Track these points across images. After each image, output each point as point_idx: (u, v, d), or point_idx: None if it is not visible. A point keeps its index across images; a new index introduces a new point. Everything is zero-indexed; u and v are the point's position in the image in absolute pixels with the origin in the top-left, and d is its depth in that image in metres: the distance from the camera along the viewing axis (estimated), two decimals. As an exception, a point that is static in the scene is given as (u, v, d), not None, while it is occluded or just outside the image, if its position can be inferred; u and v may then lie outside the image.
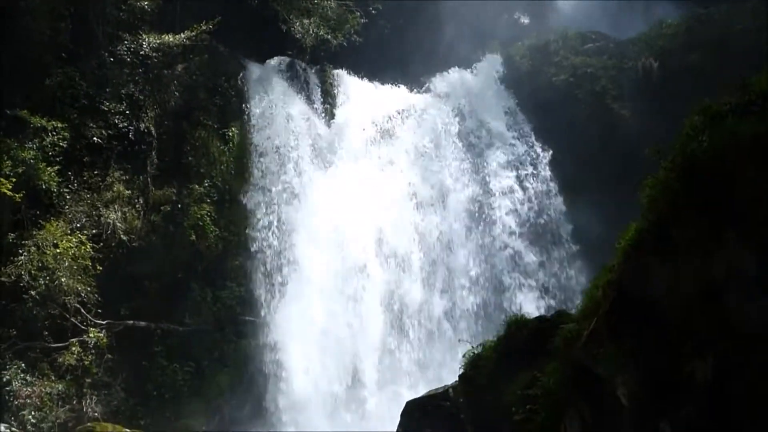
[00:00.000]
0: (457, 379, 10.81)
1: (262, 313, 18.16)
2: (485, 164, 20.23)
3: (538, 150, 20.41)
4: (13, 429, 11.92)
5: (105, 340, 17.08)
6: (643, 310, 7.43)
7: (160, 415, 16.68)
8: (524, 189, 19.82)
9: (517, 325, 10.24)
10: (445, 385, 11.05)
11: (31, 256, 16.68)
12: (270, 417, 17.26)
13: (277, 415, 17.25)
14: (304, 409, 16.80)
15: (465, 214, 19.48)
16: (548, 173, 19.95)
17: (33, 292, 16.62)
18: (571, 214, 19.33)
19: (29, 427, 14.62)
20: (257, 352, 17.86)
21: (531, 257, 18.86)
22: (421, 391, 12.43)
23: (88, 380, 16.87)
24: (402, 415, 10.97)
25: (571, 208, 19.21)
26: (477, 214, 19.50)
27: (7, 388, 15.73)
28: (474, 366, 10.38)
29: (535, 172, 20.08)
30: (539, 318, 10.49)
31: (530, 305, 17.54)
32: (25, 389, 15.90)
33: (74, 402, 16.56)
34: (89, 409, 16.46)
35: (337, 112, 21.06)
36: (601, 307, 8.21)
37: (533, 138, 20.67)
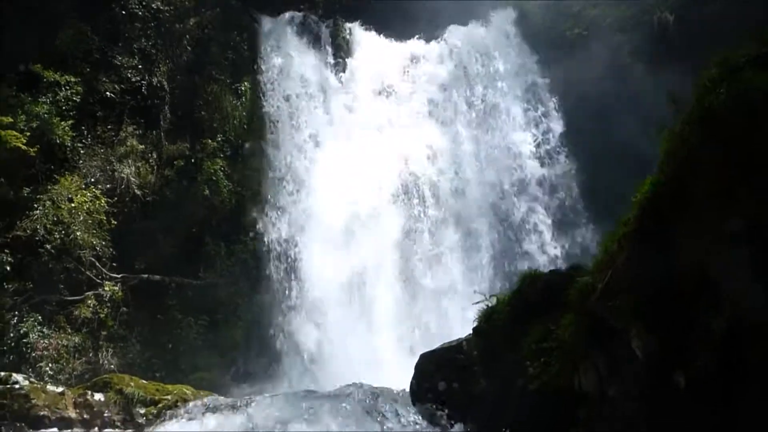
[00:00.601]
0: (471, 332, 10.83)
1: (276, 267, 18.21)
2: (498, 119, 20.10)
3: (551, 104, 20.27)
4: (31, 379, 12.05)
5: (120, 294, 17.27)
6: (659, 262, 7.42)
7: (175, 368, 16.81)
8: (537, 143, 19.72)
9: (531, 278, 10.21)
10: (459, 339, 11.04)
11: (46, 211, 16.82)
12: (284, 371, 17.36)
13: (292, 369, 17.34)
14: (318, 363, 16.89)
15: (478, 170, 19.41)
16: (562, 128, 19.84)
17: (48, 246, 16.79)
18: (583, 170, 19.24)
19: (46, 378, 14.77)
20: (272, 306, 17.95)
21: (546, 215, 18.79)
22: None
23: (104, 333, 17.09)
24: (416, 368, 10.97)
25: (585, 164, 19.11)
26: (490, 169, 19.42)
27: (24, 341, 15.93)
28: (488, 319, 10.38)
29: (547, 126, 19.96)
30: (553, 271, 10.46)
31: (544, 260, 17.53)
32: (42, 341, 16.11)
33: (90, 354, 16.77)
34: (105, 362, 16.67)
35: (350, 66, 20.94)
36: (616, 259, 8.20)
37: (547, 92, 20.52)
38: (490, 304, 10.43)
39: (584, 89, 19.08)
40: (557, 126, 19.96)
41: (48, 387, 11.80)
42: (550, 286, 9.75)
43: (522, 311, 9.92)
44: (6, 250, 16.52)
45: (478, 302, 10.71)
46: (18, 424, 10.69)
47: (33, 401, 10.97)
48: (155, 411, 11.32)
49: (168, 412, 11.05)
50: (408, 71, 21.11)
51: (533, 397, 9.33)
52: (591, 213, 18.75)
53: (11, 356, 15.71)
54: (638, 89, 17.89)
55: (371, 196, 18.72)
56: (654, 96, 15.38)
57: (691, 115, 7.47)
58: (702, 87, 7.47)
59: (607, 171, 17.43)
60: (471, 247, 18.56)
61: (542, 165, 19.56)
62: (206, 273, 18.25)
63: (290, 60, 20.24)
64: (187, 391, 11.97)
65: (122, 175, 18.22)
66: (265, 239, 18.49)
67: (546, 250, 18.45)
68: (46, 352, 16.09)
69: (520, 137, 19.86)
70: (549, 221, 18.89)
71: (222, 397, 11.68)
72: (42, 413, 10.88)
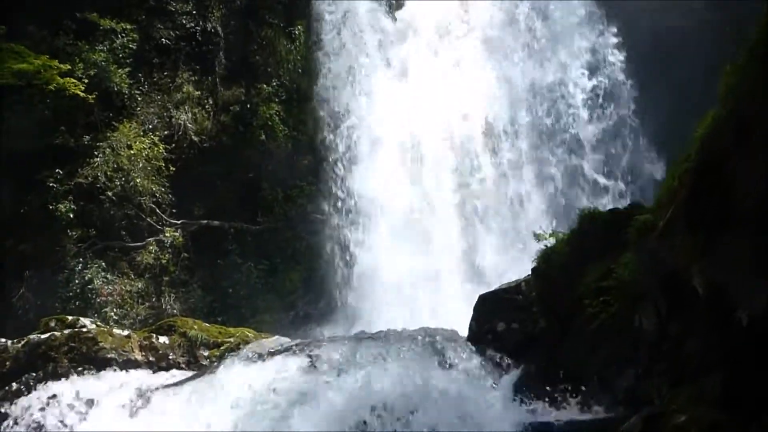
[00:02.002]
0: (529, 272, 10.81)
1: (332, 210, 18.28)
2: (557, 53, 19.66)
3: (611, 38, 19.78)
4: (98, 323, 12.36)
5: (180, 240, 17.53)
6: (721, 199, 7.29)
7: (235, 312, 17.05)
8: (598, 80, 19.29)
9: (590, 217, 10.13)
10: (518, 279, 11.04)
11: (106, 158, 17.08)
12: (344, 314, 17.52)
13: (351, 312, 17.49)
14: (377, 306, 16.99)
15: (537, 108, 19.08)
16: (621, 63, 19.38)
17: (109, 193, 17.09)
18: (644, 106, 18.86)
19: (111, 323, 15.12)
20: (329, 249, 18.07)
21: (604, 151, 18.51)
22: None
23: (166, 278, 17.41)
24: (475, 309, 11.02)
25: (645, 100, 18.70)
26: (550, 107, 19.08)
27: (89, 287, 16.31)
28: (546, 259, 10.34)
29: (607, 61, 19.51)
30: (613, 210, 10.36)
31: (605, 202, 17.31)
32: (106, 287, 16.47)
33: (153, 299, 17.11)
34: (168, 306, 17.00)
35: (406, 7, 20.63)
36: (677, 196, 8.09)
37: (606, 25, 19.95)
38: (548, 245, 10.40)
39: (646, 23, 18.61)
40: (617, 61, 19.52)
41: (114, 330, 12.08)
42: (610, 225, 9.67)
43: (581, 251, 9.87)
44: (69, 198, 16.85)
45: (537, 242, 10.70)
46: (87, 366, 10.96)
47: (100, 344, 11.25)
48: (218, 353, 11.53)
49: (231, 354, 11.25)
50: (466, 10, 20.69)
51: (592, 336, 9.33)
52: (652, 151, 18.42)
53: (77, 302, 16.10)
54: (701, 23, 17.41)
55: (430, 138, 18.60)
56: (718, 30, 15.04)
57: (754, 50, 7.28)
58: (766, 21, 7.26)
59: (668, 106, 17.06)
60: (529, 192, 18.37)
61: (601, 102, 19.18)
62: (264, 218, 18.39)
63: (344, 3, 20.03)
64: (249, 334, 12.16)
65: (179, 121, 18.36)
66: (322, 182, 18.54)
67: (606, 189, 18.20)
68: (110, 298, 16.46)
69: (578, 73, 19.45)
70: (609, 160, 18.59)
71: (284, 339, 11.85)
72: (109, 356, 11.16)
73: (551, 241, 10.50)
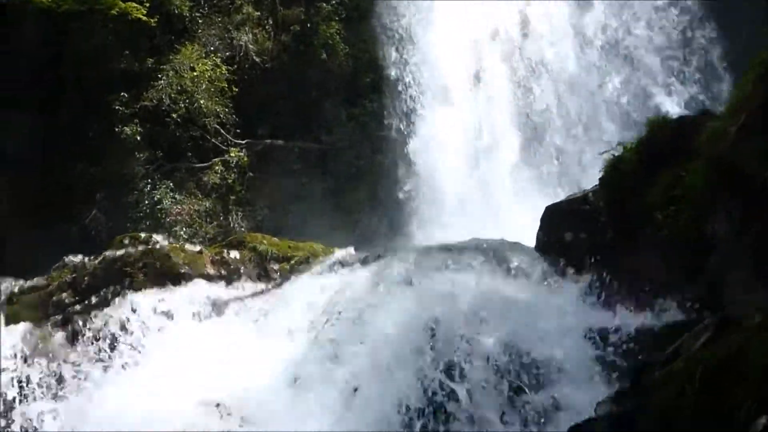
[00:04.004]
0: (596, 183, 10.75)
1: (396, 128, 18.26)
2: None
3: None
4: (170, 240, 12.65)
5: (245, 159, 17.74)
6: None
7: (301, 230, 17.18)
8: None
9: (659, 124, 9.98)
10: (585, 190, 11.00)
11: (170, 80, 17.28)
12: (408, 230, 17.63)
13: (415, 227, 17.60)
14: (440, 218, 17.08)
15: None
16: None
17: (174, 115, 17.33)
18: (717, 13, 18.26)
19: (181, 241, 15.41)
20: (393, 167, 18.11)
21: (677, 64, 18.07)
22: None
23: (233, 198, 17.69)
24: (542, 220, 11.02)
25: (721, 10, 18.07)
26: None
27: (159, 207, 16.70)
28: (614, 169, 10.25)
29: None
30: (682, 117, 10.23)
31: (673, 108, 16.97)
32: (175, 207, 16.83)
33: (221, 218, 17.43)
34: (235, 225, 17.30)
35: None
36: (751, 101, 7.94)
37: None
38: (616, 154, 10.30)
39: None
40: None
41: (186, 246, 12.36)
42: (680, 132, 9.53)
43: (650, 159, 9.75)
44: (135, 121, 17.13)
45: (603, 152, 10.61)
46: (161, 281, 11.24)
47: (173, 259, 11.52)
48: (288, 266, 11.73)
49: (300, 267, 11.45)
50: None
51: (662, 245, 9.28)
52: (725, 62, 17.97)
53: (148, 222, 16.48)
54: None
55: (489, 56, 18.38)
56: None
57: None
58: None
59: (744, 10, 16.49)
60: (598, 104, 18.07)
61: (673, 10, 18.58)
62: (327, 137, 18.46)
63: None
64: (317, 248, 12.34)
65: (240, 42, 18.40)
66: (384, 100, 18.49)
67: (676, 99, 17.81)
68: (179, 217, 16.82)
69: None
70: (682, 70, 18.14)
71: (351, 252, 12.00)
72: (182, 270, 11.42)
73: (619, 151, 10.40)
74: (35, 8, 16.40)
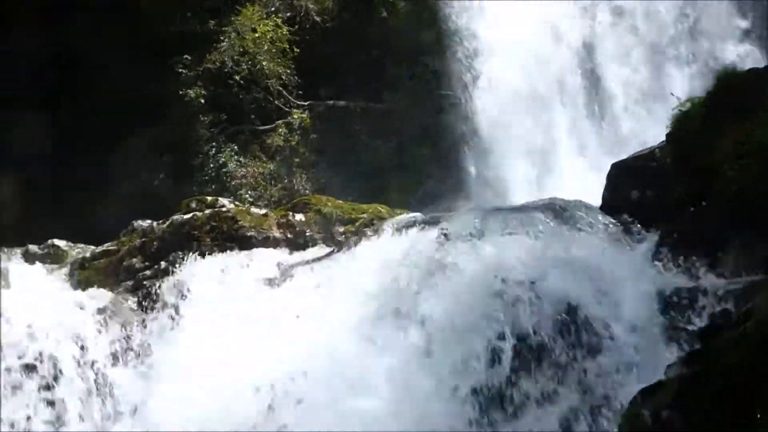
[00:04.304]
0: (663, 139, 10.58)
1: (459, 86, 18.11)
2: None
3: None
4: (236, 203, 12.79)
5: (308, 121, 17.78)
6: None
7: (365, 191, 17.20)
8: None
9: (728, 78, 9.77)
10: (651, 146, 10.81)
11: (232, 42, 17.36)
12: (472, 190, 17.56)
13: (478, 187, 17.52)
14: (504, 177, 17.00)
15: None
16: None
17: (237, 77, 17.40)
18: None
19: (246, 204, 15.56)
20: (457, 125, 17.99)
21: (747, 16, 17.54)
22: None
23: (296, 160, 17.75)
24: (608, 177, 10.89)
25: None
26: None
27: (224, 170, 16.90)
28: (681, 124, 10.08)
29: None
30: (752, 69, 9.98)
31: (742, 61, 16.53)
32: (239, 170, 17.01)
33: (285, 180, 17.52)
34: (300, 187, 17.37)
35: None
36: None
37: None
38: (683, 109, 10.11)
39: None
40: None
41: (252, 209, 12.45)
42: (750, 85, 9.33)
43: (718, 113, 9.55)
44: (198, 83, 17.27)
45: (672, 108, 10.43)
46: (228, 244, 11.37)
47: (240, 222, 11.61)
48: (353, 229, 11.75)
49: (365, 229, 11.47)
50: None
51: (731, 201, 9.11)
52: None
53: (213, 185, 16.68)
54: None
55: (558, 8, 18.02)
56: None
57: None
58: None
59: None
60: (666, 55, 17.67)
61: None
62: (390, 96, 18.38)
63: None
64: (382, 210, 12.30)
65: (301, 2, 18.35)
66: (446, 57, 18.31)
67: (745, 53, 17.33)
68: (244, 180, 16.98)
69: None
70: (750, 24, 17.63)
71: (416, 213, 12.00)
72: (249, 234, 11.50)
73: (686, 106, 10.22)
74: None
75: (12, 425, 9.66)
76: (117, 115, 17.01)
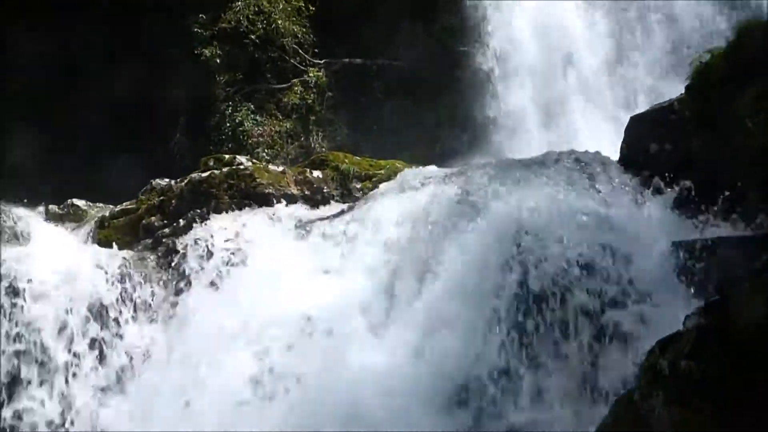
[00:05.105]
0: (683, 91, 10.47)
1: (475, 43, 17.97)
2: None
3: None
4: (254, 161, 12.82)
5: (324, 79, 17.77)
6: None
7: (381, 148, 17.16)
8: None
9: (750, 28, 9.63)
10: (670, 99, 10.71)
11: (248, 1, 17.31)
12: (487, 145, 17.49)
13: (494, 144, 17.44)
14: (521, 133, 16.91)
15: None
16: None
17: (252, 36, 17.40)
18: None
19: (264, 162, 15.61)
20: (472, 83, 17.88)
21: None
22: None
23: (313, 118, 17.78)
24: (626, 131, 10.80)
25: None
26: None
27: (240, 129, 16.94)
28: (702, 76, 9.96)
29: None
30: (775, 20, 9.82)
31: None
32: (256, 129, 17.03)
33: (302, 139, 17.57)
34: (316, 145, 17.42)
35: None
36: None
37: None
38: (703, 60, 9.99)
39: None
40: None
41: (269, 167, 12.48)
42: (772, 36, 9.19)
43: (740, 65, 9.43)
44: (213, 43, 17.24)
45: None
46: (246, 202, 11.42)
47: (257, 180, 11.64)
48: (370, 185, 11.78)
49: (383, 184, 11.49)
50: None
51: (752, 155, 9.04)
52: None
53: (230, 144, 16.73)
54: None
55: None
56: None
57: None
58: None
59: None
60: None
61: None
62: (406, 54, 18.26)
63: None
64: (399, 166, 12.34)
65: (315, -40, 18.26)
66: (462, 14, 18.15)
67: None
68: (261, 139, 17.03)
69: None
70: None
71: (433, 168, 11.98)
72: (267, 191, 11.54)
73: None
74: None
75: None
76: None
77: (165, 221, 11.66)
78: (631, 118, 10.92)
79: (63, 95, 17.12)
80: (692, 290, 8.22)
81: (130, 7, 17.36)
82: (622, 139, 10.86)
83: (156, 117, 17.39)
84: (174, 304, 10.52)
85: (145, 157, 16.36)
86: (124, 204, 12.44)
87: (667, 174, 9.98)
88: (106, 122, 16.97)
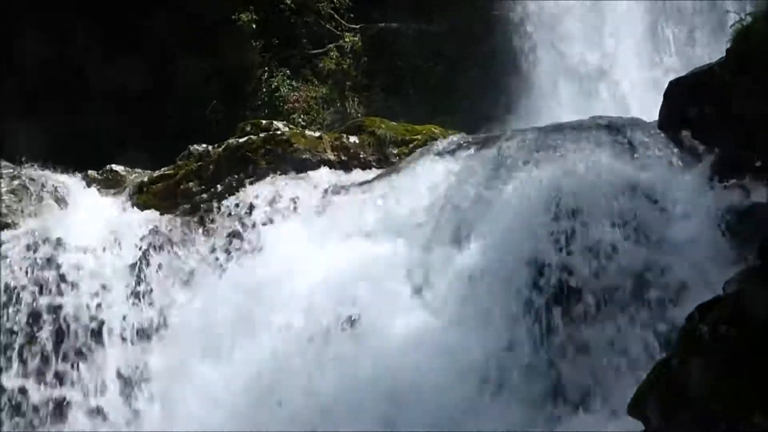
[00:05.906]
0: (723, 55, 10.31)
1: (513, 10, 17.76)
2: None
3: None
4: (290, 126, 12.86)
5: (360, 44, 17.77)
6: None
7: (417, 112, 17.16)
8: None
9: (793, -9, 9.46)
10: (710, 63, 10.55)
11: (284, -34, 17.29)
12: (523, 111, 17.34)
13: (531, 110, 17.29)
14: (557, 99, 16.77)
15: None
16: None
17: (288, 1, 17.37)
18: None
19: (300, 128, 15.65)
20: (509, 48, 17.73)
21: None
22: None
23: (348, 83, 17.81)
24: (665, 95, 10.63)
25: None
26: None
27: (276, 94, 17.03)
28: (743, 39, 9.78)
29: None
30: (826, -21, 9.60)
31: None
32: (292, 94, 17.10)
33: (338, 104, 17.61)
34: (352, 111, 17.43)
35: None
36: None
37: None
38: (745, 23, 9.82)
39: None
40: None
41: (306, 132, 12.50)
42: (817, -2, 9.01)
43: (784, 27, 9.28)
44: (250, 8, 17.25)
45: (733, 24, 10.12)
46: (283, 167, 11.47)
47: (294, 145, 11.67)
48: (407, 150, 11.75)
49: (419, 150, 11.47)
50: None
51: (793, 119, 8.92)
52: None
53: (266, 110, 16.83)
54: None
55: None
56: None
57: None
58: None
59: None
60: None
61: None
62: (441, 18, 18.19)
63: None
64: (436, 131, 12.28)
65: (352, -76, 18.17)
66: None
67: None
68: (297, 104, 17.10)
69: None
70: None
71: (469, 135, 11.95)
72: (303, 156, 11.57)
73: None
74: None
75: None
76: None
77: (203, 186, 11.75)
78: (671, 82, 10.76)
79: (68, 84, 17.13)
80: (734, 256, 8.17)
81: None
82: (660, 104, 10.74)
83: (193, 83, 17.41)
84: (216, 268, 10.60)
85: (182, 123, 16.49)
86: (162, 169, 12.52)
87: (707, 138, 9.89)
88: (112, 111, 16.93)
